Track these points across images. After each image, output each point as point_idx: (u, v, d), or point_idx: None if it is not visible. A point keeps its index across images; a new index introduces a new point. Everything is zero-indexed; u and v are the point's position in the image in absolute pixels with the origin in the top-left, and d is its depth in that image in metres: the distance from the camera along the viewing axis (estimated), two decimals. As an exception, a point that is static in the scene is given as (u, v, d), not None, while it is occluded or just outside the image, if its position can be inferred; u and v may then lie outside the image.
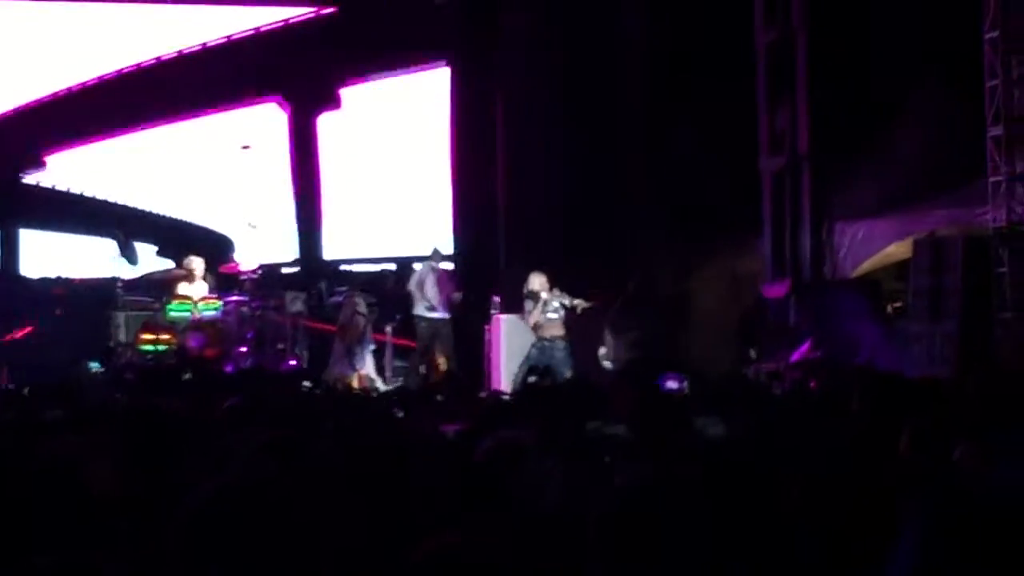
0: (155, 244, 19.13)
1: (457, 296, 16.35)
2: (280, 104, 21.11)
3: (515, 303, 15.96)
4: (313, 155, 20.90)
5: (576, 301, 15.16)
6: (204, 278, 16.09)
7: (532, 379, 13.43)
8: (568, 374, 14.53)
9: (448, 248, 17.48)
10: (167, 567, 2.39)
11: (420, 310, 16.38)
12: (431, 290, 16.35)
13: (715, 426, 5.76)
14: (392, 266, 17.73)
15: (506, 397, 10.59)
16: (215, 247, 18.77)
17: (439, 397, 10.76)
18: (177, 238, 19.22)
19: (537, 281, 15.22)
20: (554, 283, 15.23)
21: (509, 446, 4.54)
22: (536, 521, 3.57)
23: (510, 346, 15.74)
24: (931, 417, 5.08)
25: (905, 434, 4.81)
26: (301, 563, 2.34)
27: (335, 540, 2.53)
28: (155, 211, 20.53)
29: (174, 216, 20.62)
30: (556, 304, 15.13)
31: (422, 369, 16.03)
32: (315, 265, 18.75)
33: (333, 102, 21.00)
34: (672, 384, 10.88)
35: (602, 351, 15.06)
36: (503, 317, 16.14)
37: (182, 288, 15.92)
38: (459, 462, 4.29)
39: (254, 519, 2.35)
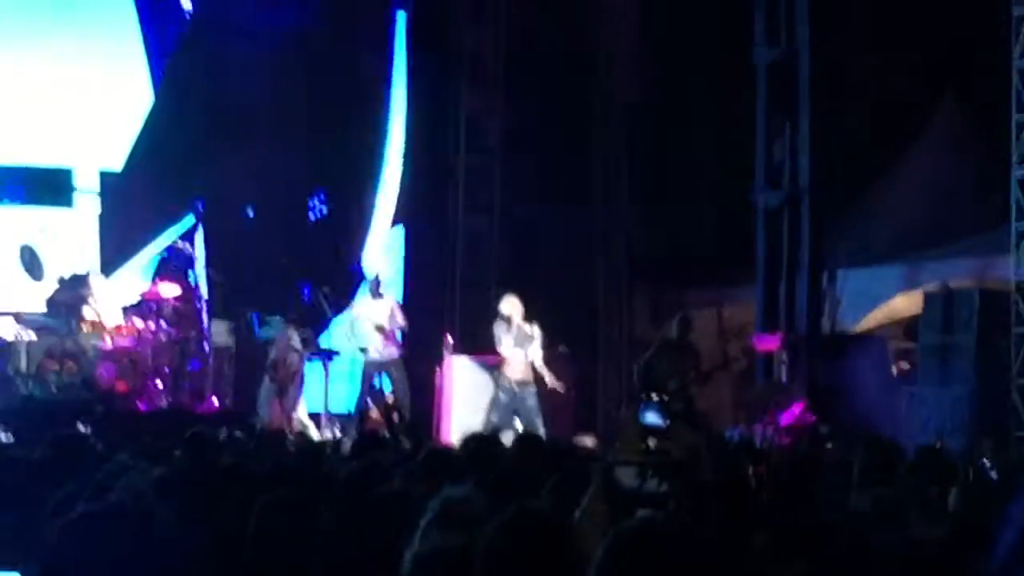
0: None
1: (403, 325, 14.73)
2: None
3: (472, 342, 14.86)
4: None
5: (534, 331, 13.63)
6: (108, 297, 14.60)
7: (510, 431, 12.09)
8: (540, 425, 13.38)
9: (389, 274, 15.78)
10: None
11: (369, 353, 14.75)
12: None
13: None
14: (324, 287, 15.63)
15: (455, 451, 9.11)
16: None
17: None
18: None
19: (510, 304, 13.87)
20: (528, 313, 13.94)
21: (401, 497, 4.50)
22: None
23: (465, 393, 14.51)
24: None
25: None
26: None
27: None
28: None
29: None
30: (527, 336, 13.57)
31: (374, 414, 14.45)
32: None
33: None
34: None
35: None
36: (457, 359, 14.84)
37: (89, 312, 14.41)
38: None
39: (118, 546, 2.56)
